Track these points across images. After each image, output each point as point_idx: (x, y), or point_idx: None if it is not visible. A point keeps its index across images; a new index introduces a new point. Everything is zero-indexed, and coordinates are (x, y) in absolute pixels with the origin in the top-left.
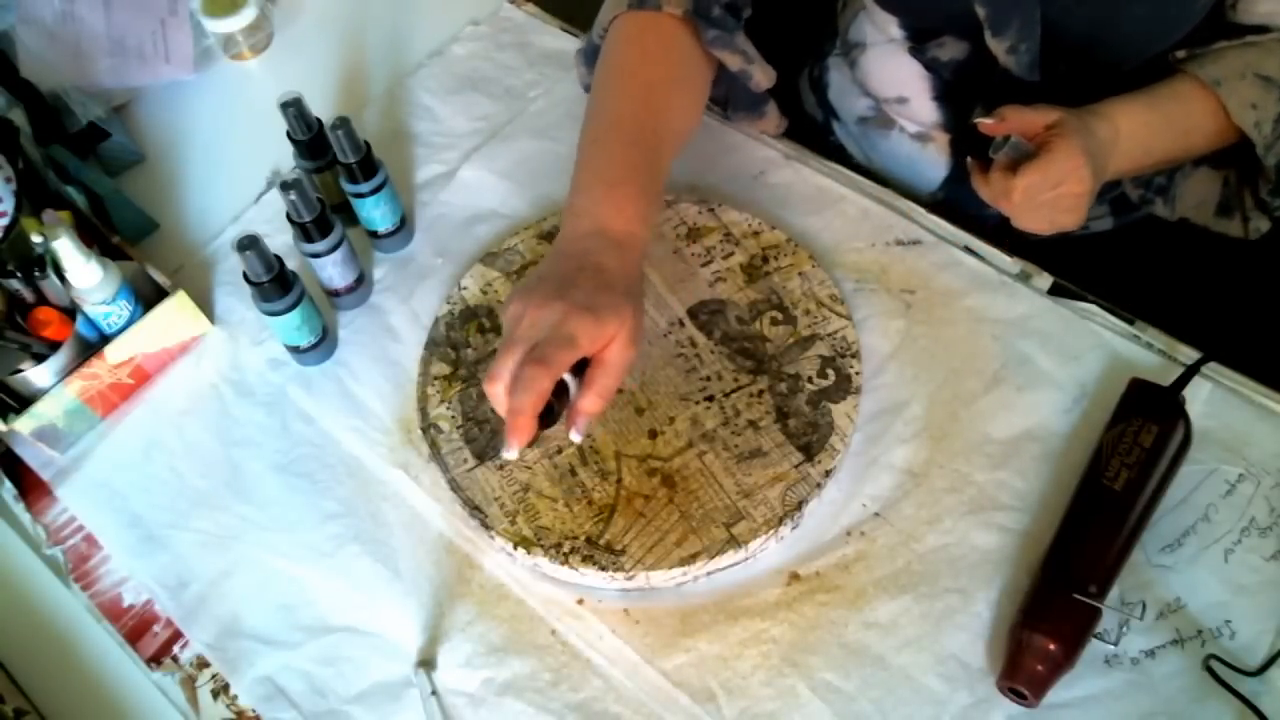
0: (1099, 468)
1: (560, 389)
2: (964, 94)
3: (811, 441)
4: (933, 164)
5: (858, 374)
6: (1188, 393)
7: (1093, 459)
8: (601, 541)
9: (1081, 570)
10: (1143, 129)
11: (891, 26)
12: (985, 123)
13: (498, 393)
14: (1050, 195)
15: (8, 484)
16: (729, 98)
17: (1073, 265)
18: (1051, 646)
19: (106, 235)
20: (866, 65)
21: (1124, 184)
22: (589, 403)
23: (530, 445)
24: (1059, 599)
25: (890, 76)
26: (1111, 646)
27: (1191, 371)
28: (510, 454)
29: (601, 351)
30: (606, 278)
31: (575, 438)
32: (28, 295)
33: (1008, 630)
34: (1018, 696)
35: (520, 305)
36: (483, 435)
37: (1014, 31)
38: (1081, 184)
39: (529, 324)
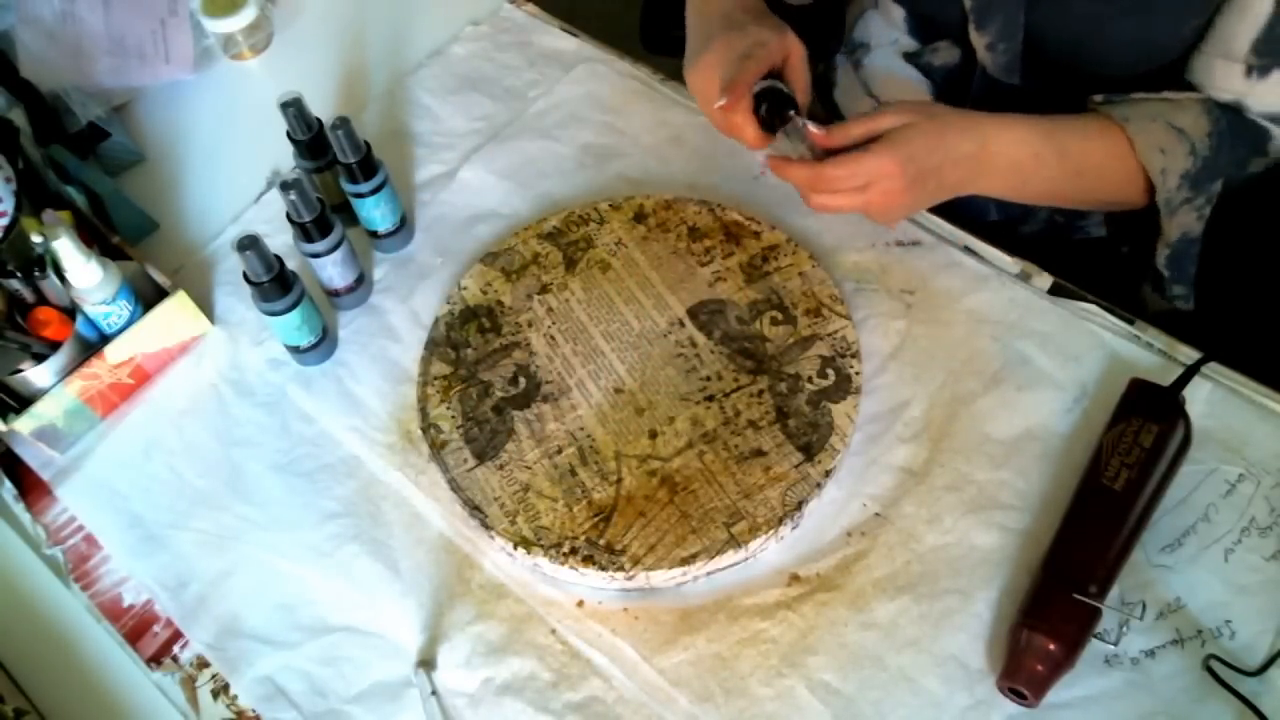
0: (1099, 468)
1: (776, 103)
2: (956, 102)
3: (811, 441)
4: None
5: (858, 374)
6: (1188, 393)
7: (1093, 459)
8: (601, 541)
9: (1082, 570)
10: (1026, 155)
11: (898, 21)
12: (816, 133)
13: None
14: (858, 191)
15: (8, 484)
16: None
17: (1073, 265)
18: (1052, 646)
19: (106, 235)
20: (870, 67)
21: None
22: (804, 97)
23: (765, 144)
24: (1059, 599)
25: (892, 80)
26: (1111, 646)
27: (1191, 371)
28: (760, 155)
29: (789, 58)
30: (758, 18)
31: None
32: (28, 295)
33: (1008, 630)
34: (1018, 696)
35: (703, 58)
36: (483, 435)
37: (995, 29)
38: (888, 195)
39: (721, 50)
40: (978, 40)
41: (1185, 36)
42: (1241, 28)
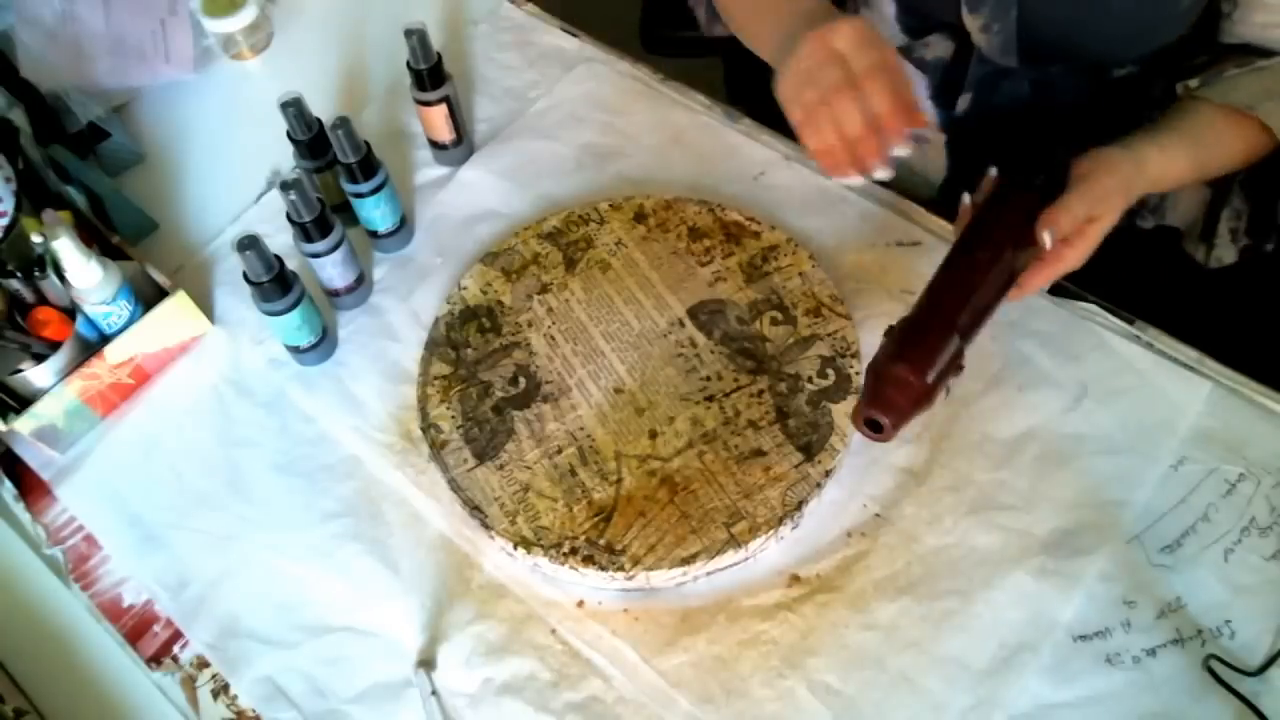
0: (977, 232)
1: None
2: (952, 93)
3: (811, 441)
4: (931, 166)
5: (858, 374)
6: (1188, 394)
7: (970, 225)
8: (601, 541)
9: (948, 311)
10: (1176, 172)
11: (888, 17)
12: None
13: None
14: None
15: (8, 484)
16: None
17: None
18: (912, 377)
19: (106, 235)
20: None
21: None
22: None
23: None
24: (920, 335)
25: None
26: (1112, 646)
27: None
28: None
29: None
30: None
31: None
32: (28, 295)
33: (865, 369)
34: (874, 430)
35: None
36: (483, 435)
37: (988, 9)
38: (1113, 213)
39: (816, 65)
40: (972, 23)
41: (1179, 17)
42: None
